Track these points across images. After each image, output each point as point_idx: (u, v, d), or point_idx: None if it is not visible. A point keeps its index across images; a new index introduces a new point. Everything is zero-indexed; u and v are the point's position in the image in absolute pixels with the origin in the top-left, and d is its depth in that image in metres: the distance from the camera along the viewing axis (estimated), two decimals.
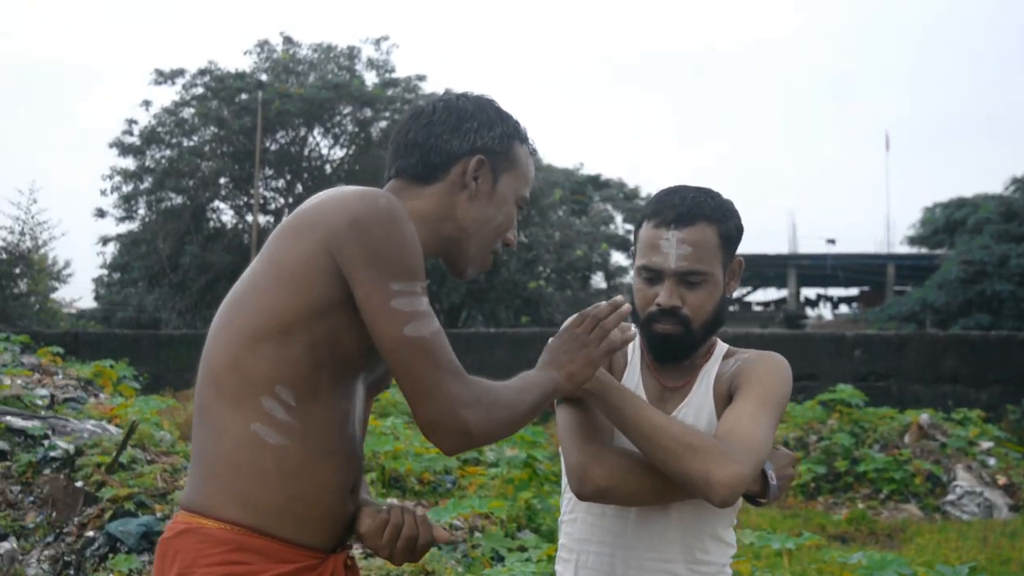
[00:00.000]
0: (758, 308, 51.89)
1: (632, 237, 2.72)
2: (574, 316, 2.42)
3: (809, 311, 51.32)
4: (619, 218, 40.74)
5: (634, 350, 2.75)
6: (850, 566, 5.69)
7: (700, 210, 2.61)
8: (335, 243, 2.18)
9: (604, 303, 2.43)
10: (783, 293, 50.67)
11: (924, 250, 42.68)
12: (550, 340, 2.43)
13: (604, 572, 2.63)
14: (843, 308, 53.85)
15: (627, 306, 2.44)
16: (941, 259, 36.10)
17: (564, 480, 2.72)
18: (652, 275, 2.61)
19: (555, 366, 2.39)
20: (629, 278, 41.65)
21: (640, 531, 2.60)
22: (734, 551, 2.73)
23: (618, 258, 39.93)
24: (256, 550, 2.20)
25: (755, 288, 53.92)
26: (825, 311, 53.98)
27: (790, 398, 2.69)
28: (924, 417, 12.87)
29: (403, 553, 2.30)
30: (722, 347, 2.75)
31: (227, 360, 2.23)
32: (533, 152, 2.56)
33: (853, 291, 52.87)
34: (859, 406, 12.90)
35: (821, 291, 54.03)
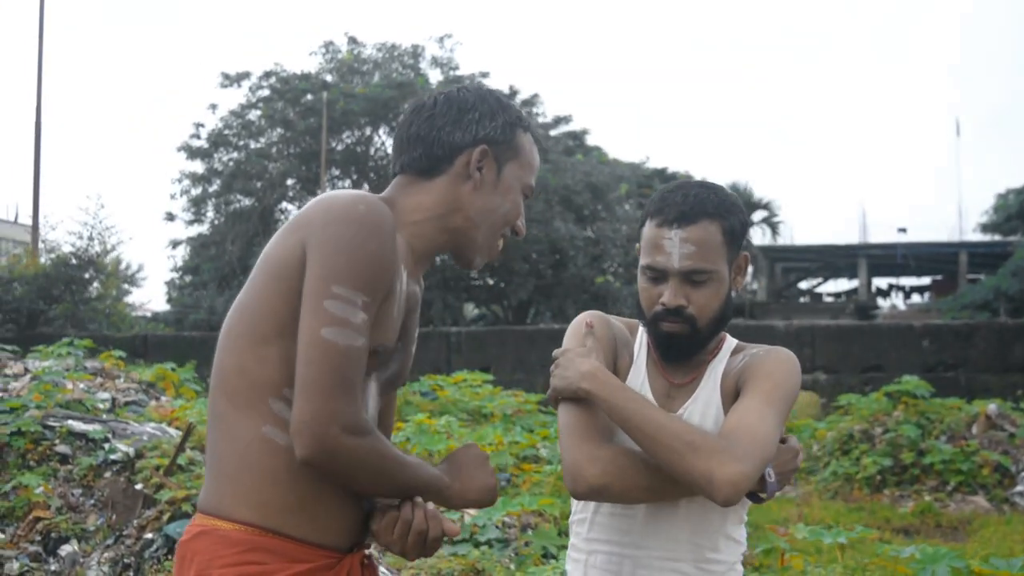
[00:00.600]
0: (828, 299, 51.44)
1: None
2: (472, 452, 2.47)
3: (880, 301, 50.81)
4: None
5: (640, 347, 2.73)
6: (903, 560, 5.63)
7: (703, 207, 2.58)
8: (307, 239, 2.21)
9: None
10: (854, 284, 50.19)
11: (997, 237, 42.18)
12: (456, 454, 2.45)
13: (612, 572, 2.61)
14: (915, 297, 53.30)
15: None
16: (1014, 246, 35.64)
17: None
18: (656, 275, 2.59)
19: (453, 477, 2.39)
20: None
21: (648, 531, 2.59)
22: (744, 548, 2.71)
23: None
24: (270, 550, 2.22)
25: (825, 279, 53.51)
26: (898, 301, 53.45)
27: (798, 393, 2.65)
28: (992, 407, 12.68)
29: (415, 548, 2.30)
30: (731, 343, 2.72)
31: (234, 365, 2.26)
32: (537, 141, 2.57)
33: (925, 280, 52.33)
34: (925, 397, 12.73)
35: (893, 281, 53.50)
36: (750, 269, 38.04)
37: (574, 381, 2.52)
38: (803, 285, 54.34)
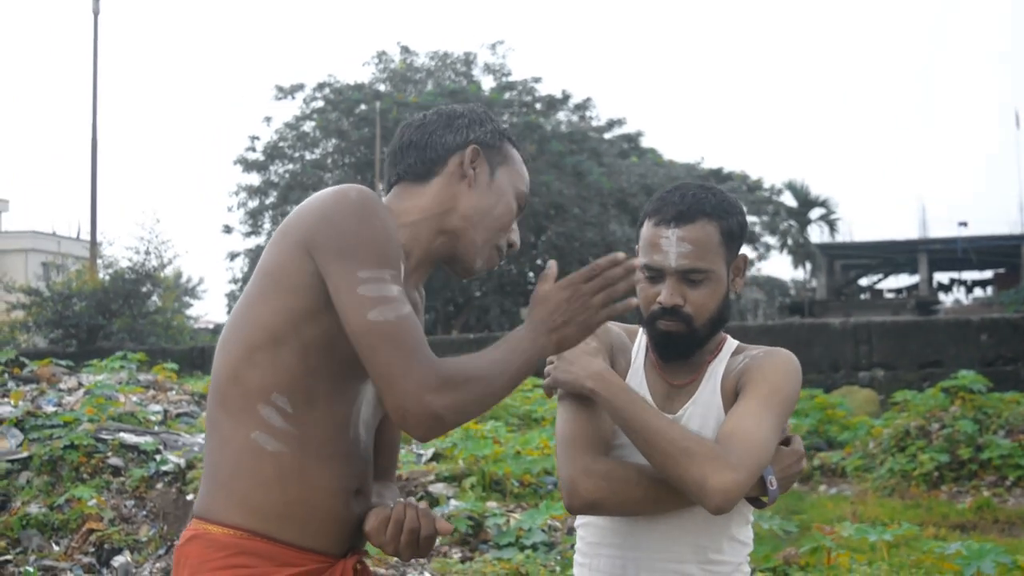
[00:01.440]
0: (889, 295, 50.96)
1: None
2: (583, 269, 2.26)
3: (942, 296, 50.28)
4: None
5: (638, 350, 2.73)
6: (949, 556, 5.58)
7: (700, 207, 2.59)
8: (310, 241, 2.22)
9: (610, 256, 2.29)
10: (915, 279, 49.73)
11: None
12: (542, 290, 2.28)
13: (616, 575, 2.62)
14: (978, 291, 52.70)
15: (637, 261, 2.35)
16: None
17: None
18: (654, 274, 2.59)
19: (546, 328, 2.28)
20: (754, 270, 41.36)
21: (651, 533, 2.58)
22: (750, 549, 2.69)
23: (743, 251, 39.58)
24: (259, 553, 2.25)
25: (886, 275, 53.04)
26: (960, 295, 52.89)
27: (799, 395, 2.64)
28: None
29: (408, 547, 2.31)
30: (731, 344, 2.72)
31: (228, 373, 2.29)
32: (525, 160, 2.60)
33: (987, 274, 51.72)
34: (982, 392, 12.58)
35: (955, 275, 52.91)
36: (752, 268, 37.83)
37: (580, 378, 2.52)
38: (863, 282, 53.89)
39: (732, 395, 2.59)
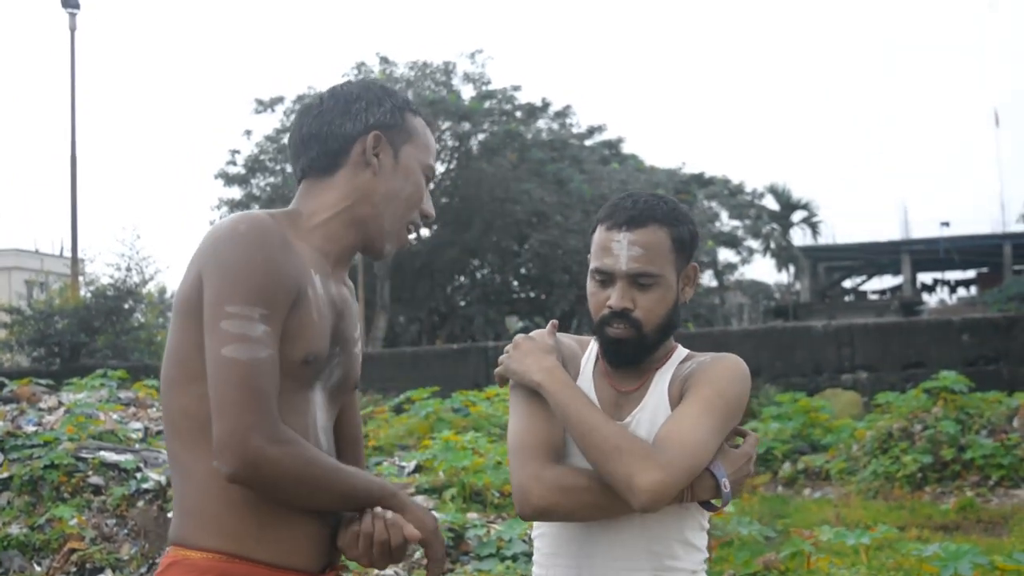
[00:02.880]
0: (873, 297, 51.14)
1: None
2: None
3: (926, 297, 50.46)
4: (724, 215, 40.46)
5: (587, 359, 2.74)
6: (927, 558, 5.60)
7: (652, 213, 2.61)
8: (202, 271, 2.25)
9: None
10: (898, 280, 49.90)
11: None
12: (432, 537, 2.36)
13: None
14: (961, 291, 52.89)
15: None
16: None
17: None
18: (604, 277, 2.62)
19: (398, 487, 2.39)
20: (737, 274, 41.46)
21: (604, 540, 2.59)
22: (705, 555, 2.69)
23: (726, 255, 39.65)
24: (239, 575, 2.25)
25: (869, 277, 53.23)
26: (944, 295, 53.08)
27: (748, 399, 2.65)
28: None
29: (381, 558, 2.32)
30: (681, 352, 2.73)
31: (177, 407, 2.30)
32: (429, 123, 2.59)
33: (971, 273, 51.95)
34: (963, 392, 12.62)
35: (938, 275, 53.15)
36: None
37: (531, 371, 2.56)
38: (847, 284, 54.08)
39: (678, 400, 2.60)
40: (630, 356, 2.64)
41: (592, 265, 2.65)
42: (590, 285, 2.67)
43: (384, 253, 2.52)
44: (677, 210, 2.67)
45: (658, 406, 2.62)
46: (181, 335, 2.29)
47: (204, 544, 2.26)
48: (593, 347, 2.75)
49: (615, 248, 2.60)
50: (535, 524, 2.74)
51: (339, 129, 2.45)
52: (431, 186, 2.59)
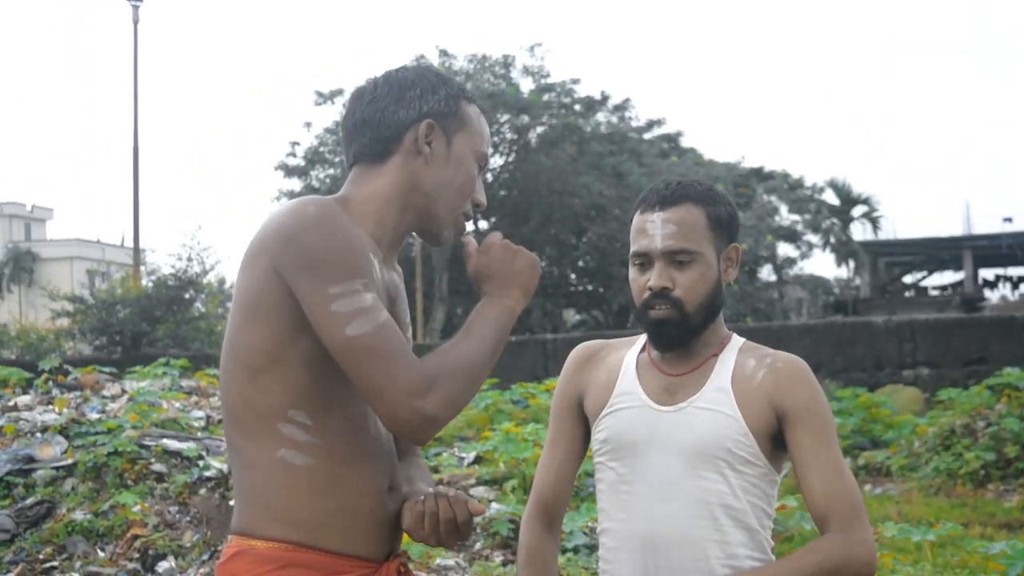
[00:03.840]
0: (934, 292, 50.62)
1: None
2: (487, 241, 2.42)
3: (988, 293, 49.89)
4: (784, 209, 40.22)
5: (632, 352, 2.73)
6: (993, 556, 5.53)
7: (685, 192, 2.62)
8: (277, 263, 2.23)
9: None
10: (960, 276, 49.36)
11: None
12: (478, 263, 2.39)
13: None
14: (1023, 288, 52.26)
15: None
16: None
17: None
18: (642, 260, 2.62)
19: (504, 287, 2.37)
20: (796, 268, 41.21)
21: (668, 535, 2.57)
22: (771, 544, 2.67)
23: (786, 249, 39.43)
24: (306, 564, 2.26)
25: (930, 272, 52.67)
26: (1006, 291, 52.47)
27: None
28: None
29: (448, 536, 2.32)
30: (736, 340, 2.69)
31: (238, 398, 2.30)
32: (483, 112, 2.56)
33: None
34: None
35: (1000, 271, 52.51)
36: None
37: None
38: (908, 279, 53.57)
39: (760, 411, 2.56)
40: (675, 337, 2.60)
41: (631, 251, 2.64)
42: (631, 272, 2.66)
43: (442, 240, 2.49)
44: (713, 190, 2.66)
45: (718, 401, 2.58)
46: (245, 329, 2.28)
47: (269, 534, 2.26)
48: (640, 341, 2.74)
49: (650, 228, 2.60)
50: (600, 519, 2.73)
51: (392, 116, 2.41)
52: (486, 175, 2.57)
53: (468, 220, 2.52)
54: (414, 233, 2.49)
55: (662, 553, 2.56)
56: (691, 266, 2.57)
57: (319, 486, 2.26)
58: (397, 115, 2.41)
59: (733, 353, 2.65)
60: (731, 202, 2.69)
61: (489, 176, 36.15)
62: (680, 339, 2.60)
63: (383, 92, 2.44)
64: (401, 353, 2.16)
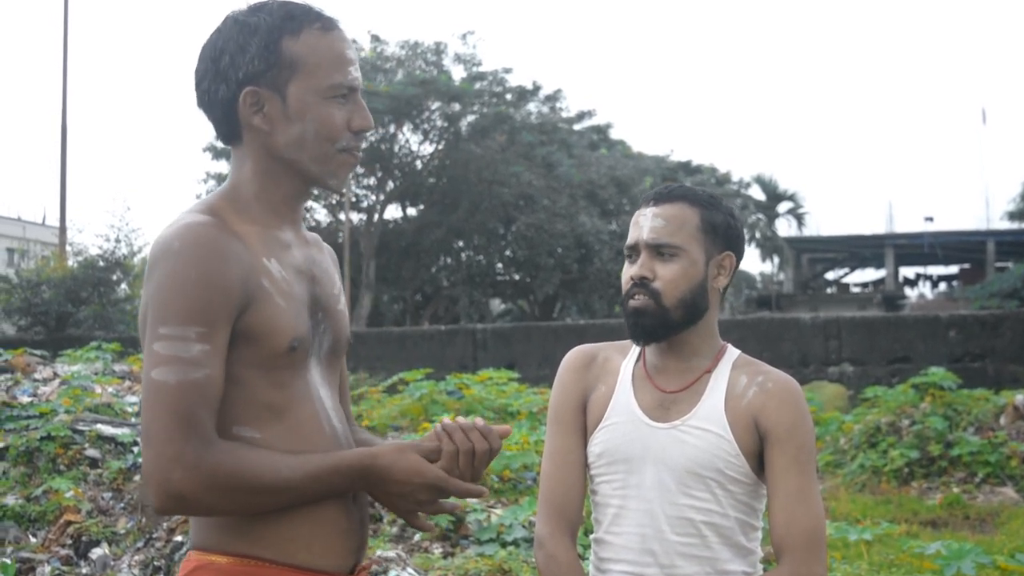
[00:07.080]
0: (856, 290, 51.29)
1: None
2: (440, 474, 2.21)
3: (908, 291, 50.63)
4: None
5: (627, 362, 2.72)
6: (928, 556, 5.62)
7: (683, 193, 2.65)
8: (144, 288, 2.17)
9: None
10: (881, 273, 50.04)
11: None
12: (419, 466, 2.20)
13: None
14: (943, 287, 53.09)
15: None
16: None
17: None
18: (631, 252, 2.65)
19: (390, 493, 2.23)
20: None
21: (665, 546, 2.59)
22: (760, 556, 2.70)
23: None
24: None
25: (852, 269, 53.38)
26: (925, 290, 53.27)
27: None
28: (1020, 398, 12.57)
29: (483, 464, 2.24)
30: (731, 353, 2.70)
31: None
32: (328, 27, 2.30)
33: (953, 269, 52.09)
34: (952, 388, 12.66)
35: (920, 270, 53.32)
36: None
37: None
38: (830, 276, 54.21)
39: (750, 431, 2.58)
40: (650, 329, 2.59)
41: (626, 245, 2.68)
42: (625, 267, 2.68)
43: (332, 186, 2.32)
44: (714, 198, 2.68)
45: (711, 420, 2.59)
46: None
47: (232, 549, 2.18)
48: (635, 350, 2.73)
49: (641, 221, 2.63)
50: (595, 527, 2.73)
51: (216, 96, 2.25)
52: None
53: (354, 150, 2.31)
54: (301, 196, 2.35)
55: (653, 568, 2.58)
56: (674, 260, 2.58)
57: None
58: (219, 94, 2.25)
59: (727, 369, 2.65)
60: (733, 214, 2.69)
61: (419, 164, 36.07)
62: (656, 332, 2.61)
63: (202, 70, 2.27)
64: (192, 417, 2.04)
